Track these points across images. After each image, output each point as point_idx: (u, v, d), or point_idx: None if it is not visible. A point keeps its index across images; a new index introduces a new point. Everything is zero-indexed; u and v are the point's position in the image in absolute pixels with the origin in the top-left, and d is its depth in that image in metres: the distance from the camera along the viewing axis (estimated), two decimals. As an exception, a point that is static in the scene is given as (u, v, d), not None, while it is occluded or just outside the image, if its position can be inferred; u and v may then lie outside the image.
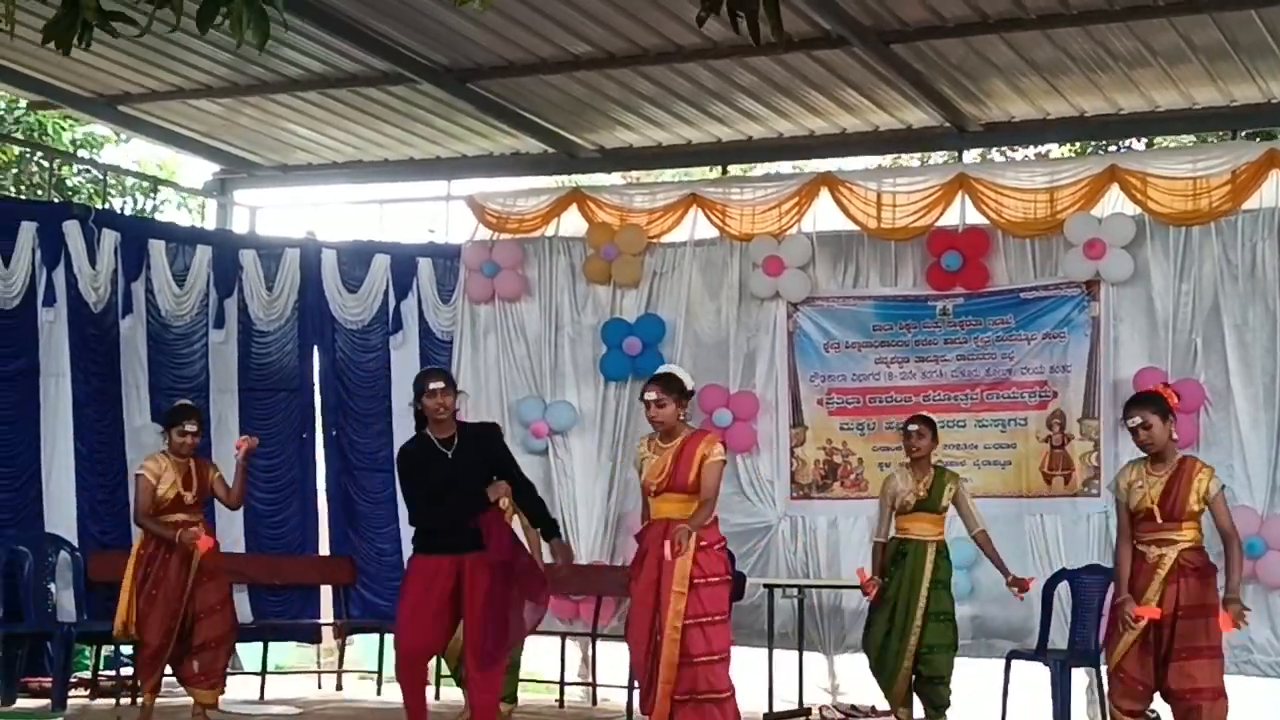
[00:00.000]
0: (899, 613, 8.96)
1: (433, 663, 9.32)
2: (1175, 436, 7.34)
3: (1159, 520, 7.16)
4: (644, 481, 7.45)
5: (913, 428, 9.19)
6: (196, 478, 9.09)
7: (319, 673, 12.37)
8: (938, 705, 8.93)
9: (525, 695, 11.16)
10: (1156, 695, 7.29)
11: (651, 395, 7.39)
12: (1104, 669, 9.43)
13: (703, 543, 7.20)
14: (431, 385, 7.61)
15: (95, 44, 4.66)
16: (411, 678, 7.44)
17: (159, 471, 9.01)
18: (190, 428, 9.10)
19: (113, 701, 10.24)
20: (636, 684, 7.77)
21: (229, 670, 9.58)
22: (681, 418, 7.41)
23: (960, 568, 10.40)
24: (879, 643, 9.06)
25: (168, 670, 9.11)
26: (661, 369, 7.80)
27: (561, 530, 11.48)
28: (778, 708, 9.88)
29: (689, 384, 7.46)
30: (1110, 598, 8.99)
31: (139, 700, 9.28)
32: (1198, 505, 7.18)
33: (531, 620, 7.60)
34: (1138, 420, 7.21)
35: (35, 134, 17.12)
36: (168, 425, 9.19)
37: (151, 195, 16.72)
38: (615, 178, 13.82)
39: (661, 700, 7.14)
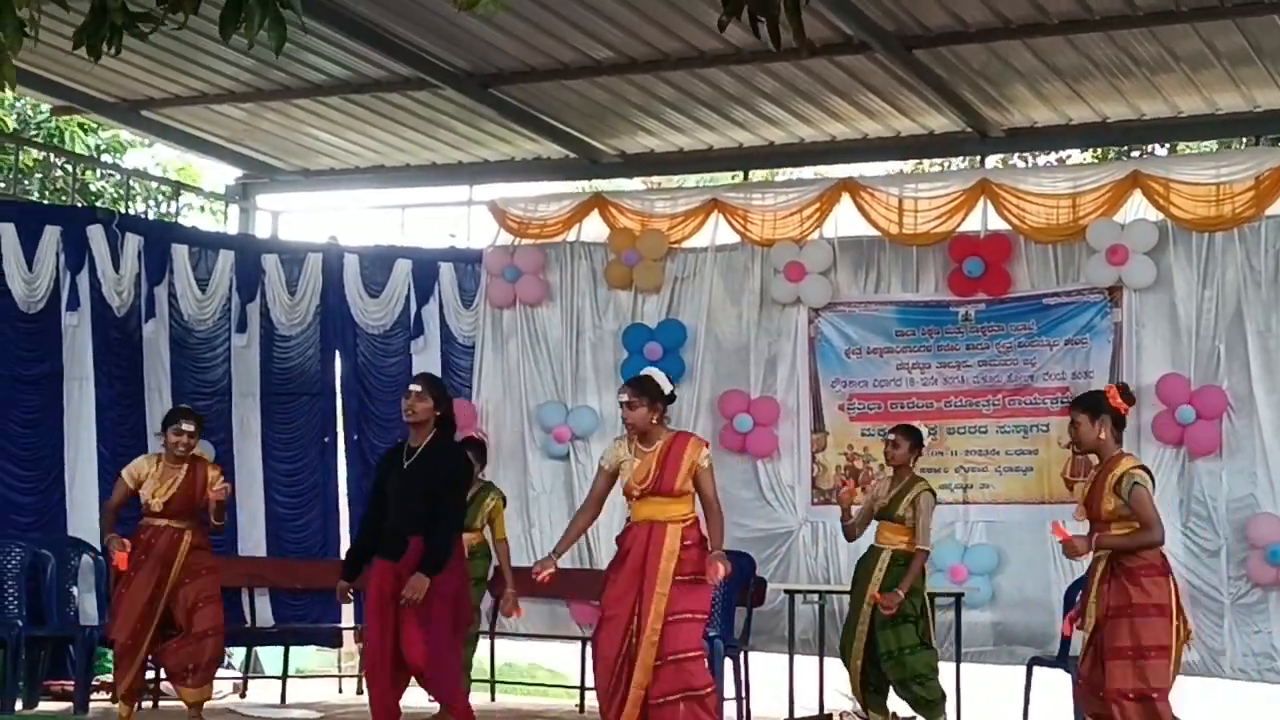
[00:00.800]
0: (853, 616, 9.12)
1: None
2: (1103, 437, 7.22)
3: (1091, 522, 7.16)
4: (626, 485, 7.33)
5: (889, 437, 9.29)
6: (186, 485, 8.87)
7: (340, 677, 12.38)
8: (917, 706, 8.95)
9: (546, 699, 11.19)
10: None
11: (624, 397, 7.33)
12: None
13: (686, 542, 7.17)
14: (410, 386, 7.67)
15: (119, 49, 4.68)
16: (374, 679, 7.51)
17: (139, 475, 8.91)
18: (186, 426, 8.90)
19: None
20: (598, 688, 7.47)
21: (251, 674, 9.57)
22: (655, 421, 7.26)
23: (981, 574, 10.42)
24: (840, 644, 9.23)
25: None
26: (642, 371, 7.63)
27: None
28: (798, 713, 9.88)
29: (666, 388, 7.31)
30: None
31: (160, 703, 9.28)
32: (1111, 503, 7.08)
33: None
34: (1070, 419, 7.36)
35: (55, 140, 17.19)
36: (164, 425, 9.08)
37: (174, 200, 16.76)
38: (636, 183, 13.86)
39: (631, 705, 7.01)
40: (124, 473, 9.01)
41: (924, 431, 9.41)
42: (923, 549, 8.98)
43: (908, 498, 9.03)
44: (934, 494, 9.16)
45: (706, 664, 7.24)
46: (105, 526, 8.97)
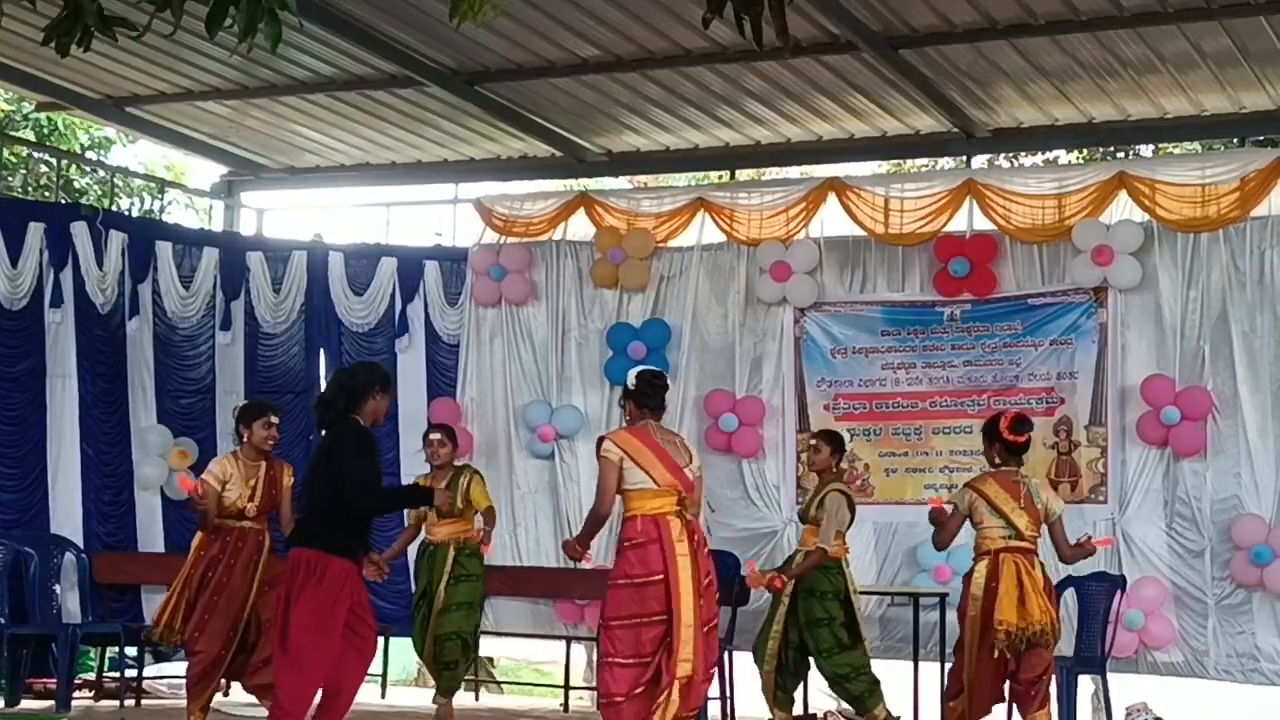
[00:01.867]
0: (769, 616, 9.20)
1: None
2: (997, 461, 8.11)
3: None
4: None
5: (811, 442, 9.48)
6: (267, 484, 8.60)
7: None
8: (850, 701, 9.07)
9: (531, 699, 11.17)
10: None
11: None
12: (1109, 676, 9.46)
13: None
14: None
15: (103, 46, 4.66)
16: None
17: (224, 476, 8.52)
18: (275, 419, 8.64)
19: (117, 703, 10.24)
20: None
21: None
22: (626, 417, 7.43)
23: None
24: (754, 645, 9.31)
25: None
26: None
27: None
28: (783, 713, 9.87)
29: (631, 382, 7.30)
30: (1118, 604, 9.01)
31: (143, 702, 9.18)
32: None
33: None
34: None
35: (46, 132, 17.11)
36: (247, 420, 8.67)
37: (159, 197, 16.71)
38: (622, 182, 13.81)
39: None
40: (209, 477, 8.53)
41: (847, 437, 9.73)
42: (821, 547, 8.95)
43: (818, 498, 9.09)
44: (847, 496, 9.15)
45: (610, 673, 7.06)
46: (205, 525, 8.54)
